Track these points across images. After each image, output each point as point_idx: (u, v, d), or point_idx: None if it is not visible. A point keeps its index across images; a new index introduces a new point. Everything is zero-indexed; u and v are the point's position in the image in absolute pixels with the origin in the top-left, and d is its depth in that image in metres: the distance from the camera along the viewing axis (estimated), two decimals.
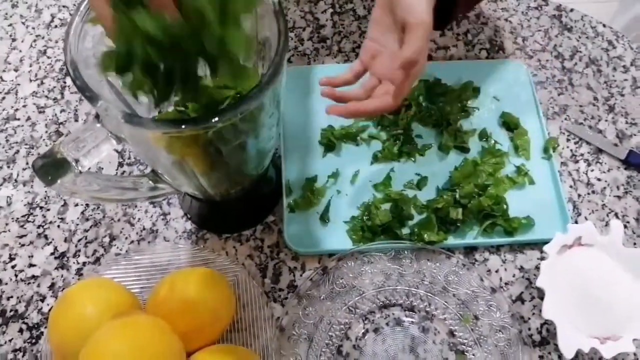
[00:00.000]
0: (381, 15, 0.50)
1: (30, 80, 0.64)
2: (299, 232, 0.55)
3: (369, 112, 0.48)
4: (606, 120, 0.63)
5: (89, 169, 0.35)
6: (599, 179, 0.60)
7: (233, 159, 0.39)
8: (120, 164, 0.59)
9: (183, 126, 0.31)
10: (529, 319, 0.53)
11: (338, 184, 0.58)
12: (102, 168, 0.59)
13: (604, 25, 0.70)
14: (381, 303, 0.53)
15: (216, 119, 0.31)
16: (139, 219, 0.57)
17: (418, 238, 0.54)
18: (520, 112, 0.62)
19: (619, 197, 0.59)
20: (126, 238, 0.56)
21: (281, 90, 0.38)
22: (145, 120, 0.31)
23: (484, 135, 0.61)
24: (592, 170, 0.60)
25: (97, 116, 0.35)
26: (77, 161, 0.34)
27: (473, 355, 0.51)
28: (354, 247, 0.53)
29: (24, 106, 0.63)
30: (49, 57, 0.66)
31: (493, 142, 0.61)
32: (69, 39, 0.34)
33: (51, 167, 0.34)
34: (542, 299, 0.51)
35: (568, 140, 0.62)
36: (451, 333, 0.52)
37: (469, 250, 0.56)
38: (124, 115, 0.31)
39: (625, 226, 0.57)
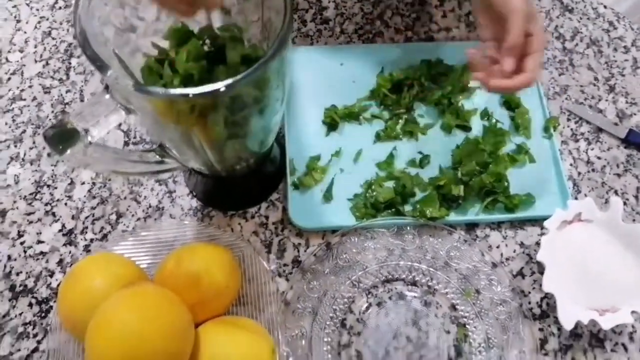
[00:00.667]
0: (484, 19, 0.52)
1: (36, 61, 0.65)
2: (303, 209, 0.56)
3: (515, 87, 0.50)
4: (606, 100, 0.64)
5: (99, 140, 0.36)
6: (599, 158, 0.61)
7: (240, 131, 0.40)
8: (126, 143, 0.60)
9: (191, 94, 0.32)
10: (529, 293, 0.54)
11: (341, 162, 0.59)
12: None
13: (605, 7, 0.71)
14: (384, 278, 0.54)
15: (223, 87, 0.32)
16: (145, 196, 0.57)
17: (420, 214, 0.55)
18: (521, 92, 0.62)
19: (618, 175, 0.60)
20: (132, 215, 0.56)
21: (287, 64, 0.39)
22: (154, 89, 0.32)
23: (485, 115, 0.62)
24: (592, 149, 0.61)
25: (106, 87, 0.35)
26: (86, 131, 0.35)
27: (474, 328, 0.51)
28: (357, 224, 0.54)
29: (30, 87, 0.63)
30: (53, 39, 0.67)
31: (494, 121, 0.61)
32: (77, 11, 0.34)
33: (61, 137, 0.34)
34: (542, 273, 0.52)
35: (568, 119, 0.63)
36: (453, 307, 0.53)
37: (471, 226, 0.57)
38: (134, 85, 0.31)
39: (624, 203, 0.57)
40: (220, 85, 0.33)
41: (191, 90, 0.32)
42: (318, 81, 0.63)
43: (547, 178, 0.58)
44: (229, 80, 0.33)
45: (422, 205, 0.55)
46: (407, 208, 0.56)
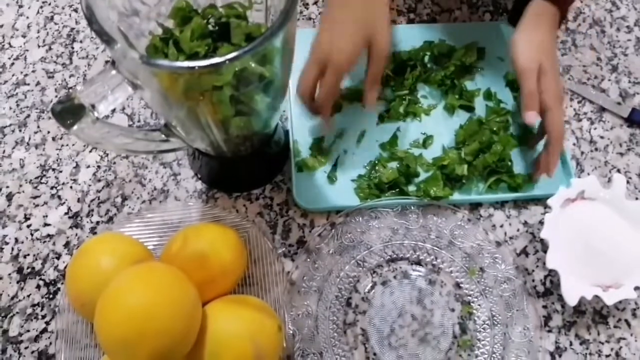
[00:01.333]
0: None
1: (39, 46, 0.65)
2: (308, 191, 0.56)
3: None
4: (609, 80, 0.64)
5: (106, 116, 0.36)
6: (601, 137, 0.61)
7: (245, 107, 0.40)
8: (130, 126, 0.60)
9: (196, 67, 0.32)
10: (533, 271, 0.54)
11: (345, 143, 0.59)
12: None
13: None
14: (388, 257, 0.54)
15: (229, 58, 0.32)
16: (150, 179, 0.58)
17: (424, 194, 0.55)
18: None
19: (621, 154, 0.60)
20: (138, 198, 0.57)
21: (292, 40, 0.39)
22: (161, 62, 0.32)
23: (488, 95, 0.62)
24: (595, 129, 0.61)
25: (112, 63, 0.35)
26: (93, 106, 0.35)
27: (479, 305, 0.52)
28: (361, 204, 0.55)
29: (33, 71, 0.63)
30: (56, 24, 0.67)
31: (498, 101, 0.61)
32: None
33: (69, 112, 0.35)
34: (545, 252, 0.52)
35: (571, 99, 0.63)
36: (457, 285, 0.53)
37: (474, 206, 0.57)
38: (141, 57, 0.32)
39: (627, 182, 0.58)
40: (224, 58, 0.33)
41: (197, 63, 0.32)
42: None
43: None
44: (233, 53, 0.33)
45: (426, 185, 0.55)
46: (411, 188, 0.56)
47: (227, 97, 0.37)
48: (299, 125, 0.59)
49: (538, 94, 0.52)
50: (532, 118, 0.53)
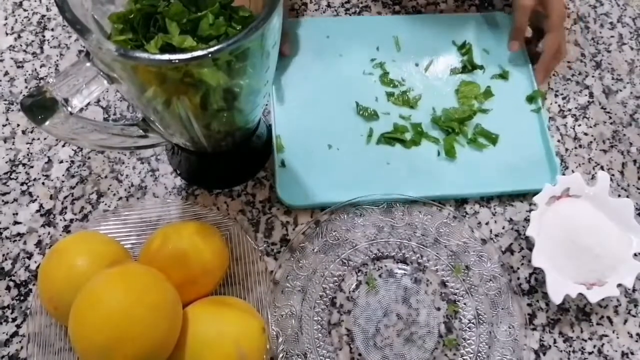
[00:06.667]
0: None
1: (7, 34, 0.62)
2: (291, 187, 0.54)
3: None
4: (593, 76, 0.64)
5: (81, 110, 0.34)
6: (585, 134, 0.61)
7: (229, 100, 0.38)
8: (106, 119, 0.58)
9: (177, 60, 0.30)
10: (518, 268, 0.54)
11: (328, 138, 0.58)
12: None
13: None
14: (374, 255, 0.53)
15: (211, 51, 0.30)
16: (127, 175, 0.55)
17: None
18: (510, 66, 0.62)
19: (604, 151, 0.60)
20: (114, 195, 0.54)
21: (278, 30, 0.37)
22: (139, 54, 0.30)
23: None
24: (579, 125, 0.61)
25: (87, 54, 0.33)
26: (66, 100, 0.33)
27: (464, 304, 0.51)
28: (345, 201, 0.53)
29: (1, 61, 0.60)
30: (25, 10, 0.63)
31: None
32: None
33: (40, 107, 0.32)
34: (530, 250, 0.52)
35: (556, 96, 0.63)
36: (443, 283, 0.53)
37: (460, 203, 0.56)
38: (117, 49, 0.30)
39: (610, 179, 0.58)
40: (206, 52, 0.31)
41: (177, 56, 0.30)
42: (304, 55, 0.62)
43: (536, 153, 0.58)
44: (215, 47, 0.31)
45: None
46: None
47: (210, 91, 0.35)
48: (282, 119, 0.58)
49: (530, 25, 0.62)
50: (516, 47, 0.62)
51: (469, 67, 0.62)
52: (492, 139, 0.58)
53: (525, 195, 0.56)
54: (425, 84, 0.61)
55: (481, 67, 0.62)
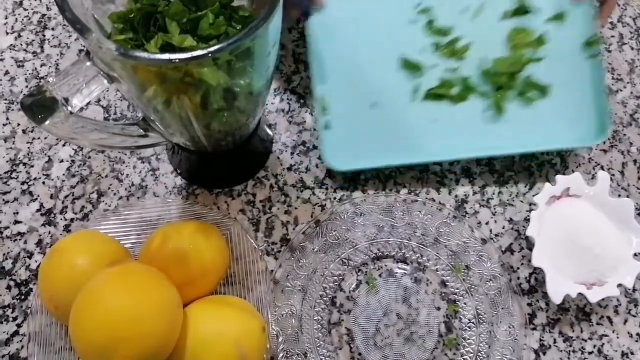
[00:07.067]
0: None
1: (7, 33, 0.62)
2: (337, 150, 0.53)
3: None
4: None
5: (81, 109, 0.34)
6: None
7: (225, 100, 0.38)
8: (106, 119, 0.58)
9: (176, 59, 0.30)
10: (518, 268, 0.54)
11: (372, 96, 0.55)
12: None
13: None
14: (374, 255, 0.53)
15: (211, 51, 0.30)
16: (127, 174, 0.55)
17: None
18: (568, 5, 0.57)
19: (604, 151, 0.60)
20: (114, 194, 0.54)
21: (277, 31, 0.37)
22: (140, 53, 0.30)
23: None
24: None
25: (87, 54, 0.33)
26: (66, 100, 0.33)
27: (464, 304, 0.51)
28: (345, 200, 0.53)
29: (1, 60, 0.60)
30: (25, 9, 0.63)
31: None
32: None
33: (40, 106, 0.32)
34: (530, 249, 0.52)
35: None
36: (443, 283, 0.53)
37: (460, 203, 0.56)
38: (118, 48, 0.30)
39: (610, 179, 0.58)
40: (206, 51, 0.31)
41: (177, 56, 0.30)
42: (340, 4, 0.56)
43: (587, 106, 0.56)
44: (215, 47, 0.31)
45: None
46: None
47: (210, 90, 0.35)
48: (321, 79, 0.54)
49: None
50: None
51: (522, 9, 0.57)
52: (543, 90, 0.56)
53: (571, 153, 0.58)
54: (474, 31, 0.57)
55: (534, 10, 0.57)
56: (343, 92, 0.55)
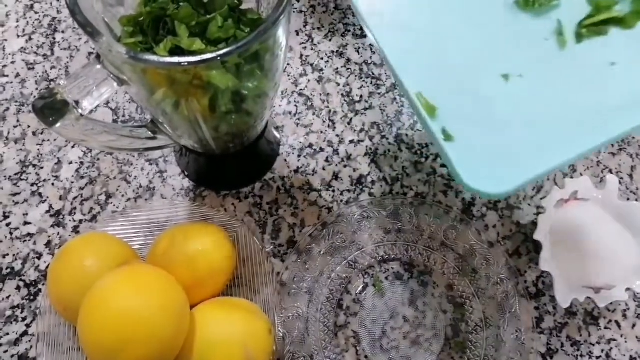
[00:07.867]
0: None
1: (18, 36, 0.62)
2: (475, 167, 0.33)
3: None
4: None
5: (91, 112, 0.34)
6: None
7: (234, 103, 0.38)
8: (115, 121, 0.58)
9: (185, 62, 0.30)
10: (526, 272, 0.54)
11: (496, 67, 0.36)
12: None
13: None
14: (380, 258, 0.53)
15: (220, 54, 0.31)
16: (135, 176, 0.56)
17: None
18: None
19: (613, 155, 0.60)
20: (123, 196, 0.55)
21: (286, 34, 0.37)
22: (150, 57, 0.30)
23: None
24: None
25: (97, 57, 0.34)
26: (77, 102, 0.33)
27: (471, 307, 0.51)
28: (353, 203, 0.53)
29: (13, 62, 0.61)
30: (36, 13, 0.64)
31: None
32: None
33: (51, 109, 0.33)
34: (538, 253, 0.51)
35: None
36: (450, 286, 0.52)
37: (467, 206, 0.56)
38: (128, 51, 0.30)
39: (619, 182, 0.57)
40: (215, 54, 0.31)
41: (185, 59, 0.31)
42: None
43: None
44: (223, 50, 0.32)
45: None
46: None
47: (218, 93, 0.35)
48: (410, 68, 0.35)
49: None
50: None
51: None
52: None
53: None
54: None
55: None
56: (448, 77, 0.36)
